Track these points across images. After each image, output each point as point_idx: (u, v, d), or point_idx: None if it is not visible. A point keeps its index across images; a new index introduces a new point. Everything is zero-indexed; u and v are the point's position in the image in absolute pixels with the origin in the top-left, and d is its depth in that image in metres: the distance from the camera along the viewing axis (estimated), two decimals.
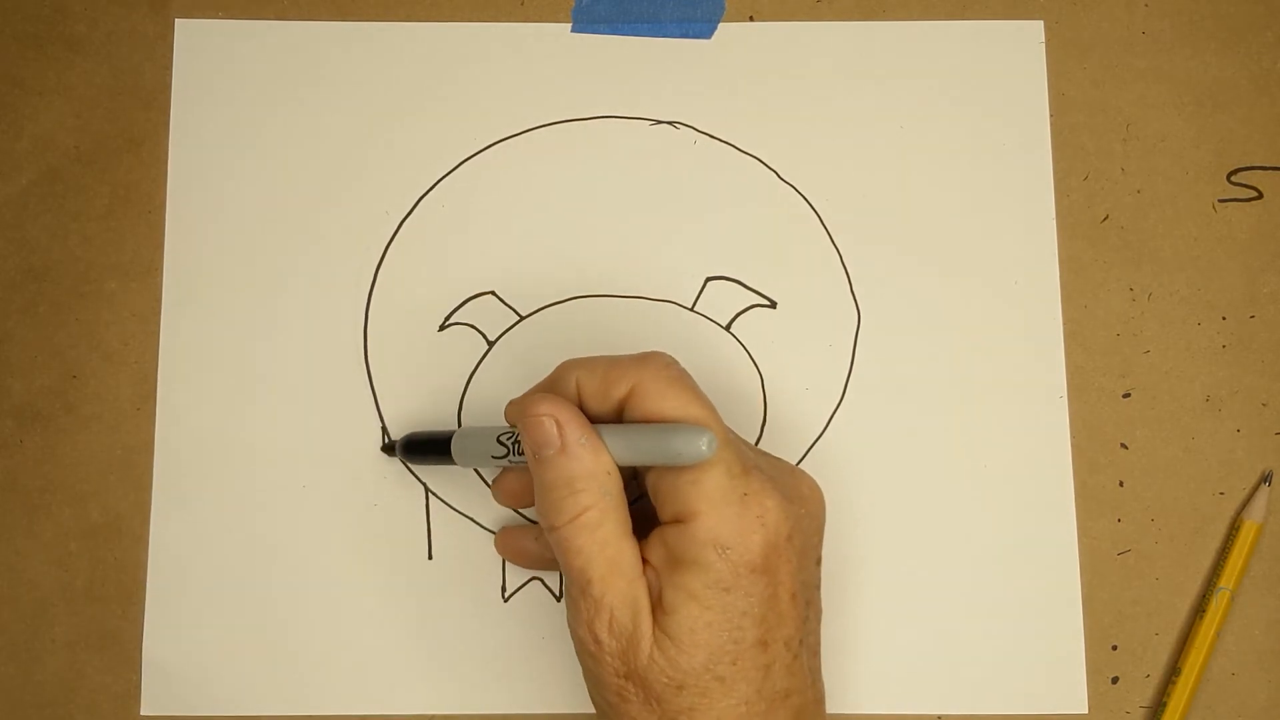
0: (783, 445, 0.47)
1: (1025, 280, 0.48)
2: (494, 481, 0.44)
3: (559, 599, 0.46)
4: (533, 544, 0.44)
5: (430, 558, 0.46)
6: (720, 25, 0.49)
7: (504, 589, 0.46)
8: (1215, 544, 0.46)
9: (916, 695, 0.45)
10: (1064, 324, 0.47)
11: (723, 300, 0.48)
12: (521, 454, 0.39)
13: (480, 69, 0.49)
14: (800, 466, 0.44)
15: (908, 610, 0.46)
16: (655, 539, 0.37)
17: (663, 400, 0.37)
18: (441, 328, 0.48)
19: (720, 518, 0.36)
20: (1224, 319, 0.48)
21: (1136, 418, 0.47)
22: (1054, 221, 0.48)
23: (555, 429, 0.37)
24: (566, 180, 0.48)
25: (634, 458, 0.37)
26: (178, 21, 0.49)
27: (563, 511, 0.37)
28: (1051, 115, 0.49)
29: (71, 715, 0.46)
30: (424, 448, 0.44)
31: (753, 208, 0.48)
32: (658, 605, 0.36)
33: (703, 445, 0.35)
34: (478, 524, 0.47)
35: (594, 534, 0.37)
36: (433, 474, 0.47)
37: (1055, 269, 0.48)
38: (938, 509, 0.46)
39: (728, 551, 0.35)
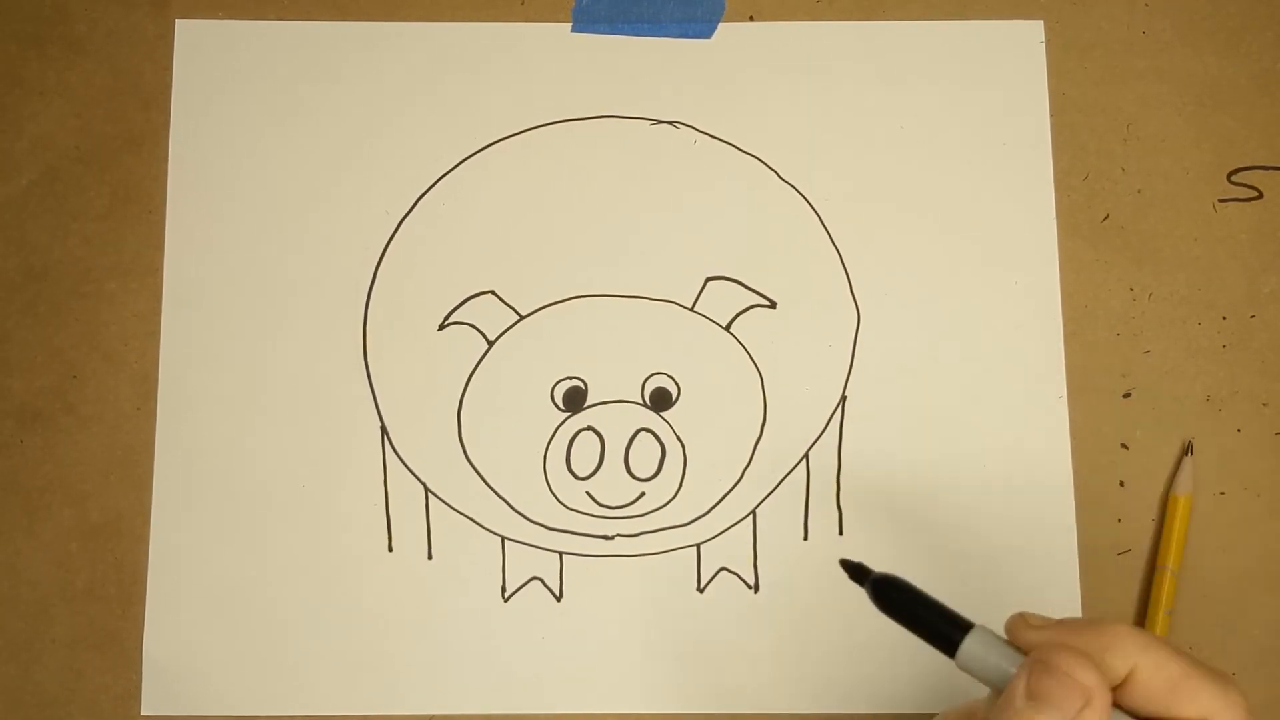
0: (783, 445, 0.47)
1: (1025, 280, 0.48)
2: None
3: (559, 599, 0.46)
4: None
5: (430, 558, 0.46)
6: (720, 25, 0.49)
7: (504, 589, 0.46)
8: None
9: (917, 695, 0.45)
10: (1064, 324, 0.47)
11: (723, 300, 0.48)
12: None
13: (480, 69, 0.49)
14: None
15: None
16: None
17: None
18: (441, 327, 0.48)
19: None
20: (1224, 319, 0.48)
21: (1136, 418, 0.47)
22: (1054, 221, 0.48)
23: (1078, 705, 0.32)
24: (566, 180, 0.48)
25: None
26: (178, 21, 0.49)
27: None
28: (1052, 115, 0.49)
29: (71, 715, 0.46)
30: (907, 608, 0.36)
31: (753, 208, 0.48)
32: None
33: None
34: (478, 524, 0.47)
35: None
36: (433, 474, 0.47)
37: (1055, 269, 0.48)
38: (937, 509, 0.46)
39: None
